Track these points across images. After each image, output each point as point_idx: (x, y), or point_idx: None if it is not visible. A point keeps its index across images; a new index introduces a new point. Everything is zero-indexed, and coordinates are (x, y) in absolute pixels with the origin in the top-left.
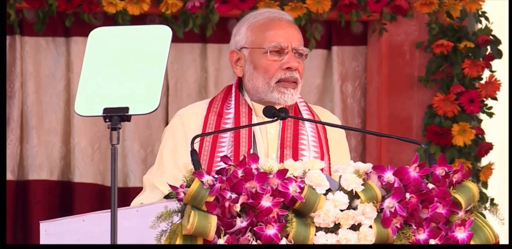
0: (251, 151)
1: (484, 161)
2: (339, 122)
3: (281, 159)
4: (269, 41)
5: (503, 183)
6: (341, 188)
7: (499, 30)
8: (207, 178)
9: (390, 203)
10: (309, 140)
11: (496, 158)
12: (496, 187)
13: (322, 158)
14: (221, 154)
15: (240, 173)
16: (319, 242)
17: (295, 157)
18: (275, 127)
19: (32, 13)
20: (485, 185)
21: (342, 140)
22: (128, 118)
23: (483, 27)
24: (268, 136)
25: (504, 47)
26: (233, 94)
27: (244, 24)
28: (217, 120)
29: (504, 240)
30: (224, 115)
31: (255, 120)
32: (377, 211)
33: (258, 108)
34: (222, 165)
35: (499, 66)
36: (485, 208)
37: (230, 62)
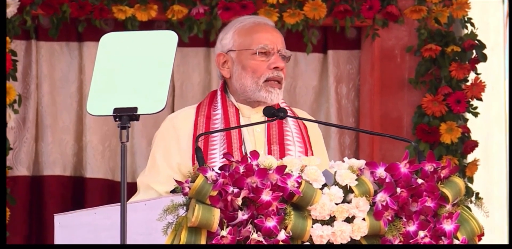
0: (242, 148)
1: (470, 158)
2: (316, 124)
3: (269, 154)
4: (257, 43)
5: (488, 178)
6: (336, 183)
7: (484, 35)
8: (211, 174)
9: (382, 197)
10: (294, 136)
11: (481, 154)
12: (481, 182)
13: (306, 153)
14: (214, 152)
15: (241, 169)
16: (315, 234)
17: (282, 152)
18: (261, 125)
19: (47, 20)
20: (470, 180)
21: (320, 138)
22: (136, 118)
23: (468, 32)
24: (255, 134)
25: (494, 51)
26: (219, 97)
27: (231, 29)
28: (206, 122)
29: (504, 240)
30: (212, 116)
31: (242, 119)
32: (370, 205)
33: (243, 108)
34: (216, 162)
35: (484, 69)
36: (471, 202)
37: (217, 64)
